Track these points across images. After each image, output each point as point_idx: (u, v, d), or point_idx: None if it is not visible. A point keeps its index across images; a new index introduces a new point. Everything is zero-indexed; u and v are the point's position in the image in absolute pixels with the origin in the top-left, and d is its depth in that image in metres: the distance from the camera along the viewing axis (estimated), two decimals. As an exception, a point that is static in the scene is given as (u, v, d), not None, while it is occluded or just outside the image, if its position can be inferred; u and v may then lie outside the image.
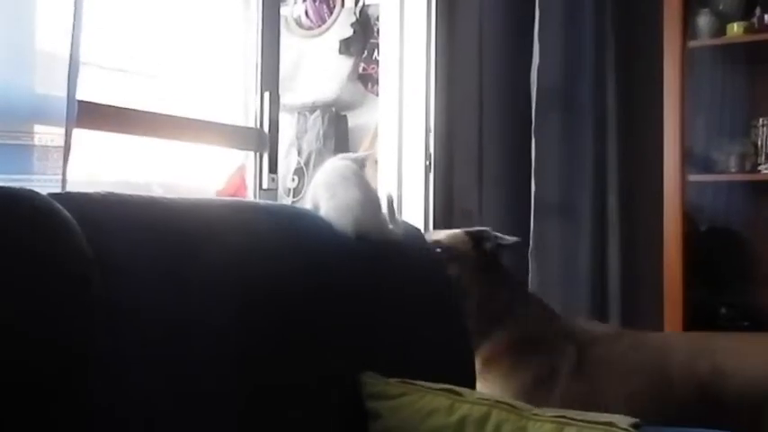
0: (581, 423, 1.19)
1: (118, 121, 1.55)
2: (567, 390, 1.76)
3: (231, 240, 1.35)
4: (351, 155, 1.66)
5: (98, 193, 1.25)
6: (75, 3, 1.31)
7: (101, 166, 1.77)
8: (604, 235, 2.61)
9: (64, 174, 1.31)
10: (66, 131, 1.31)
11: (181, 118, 1.72)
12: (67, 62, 1.32)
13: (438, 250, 1.84)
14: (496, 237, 1.92)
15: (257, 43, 1.88)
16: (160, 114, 1.67)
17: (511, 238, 1.95)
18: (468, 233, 1.92)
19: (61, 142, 1.31)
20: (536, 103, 2.50)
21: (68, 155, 1.32)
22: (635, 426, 1.28)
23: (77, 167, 1.62)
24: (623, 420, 1.27)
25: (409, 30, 2.53)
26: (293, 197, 3.07)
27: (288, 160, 3.22)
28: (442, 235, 1.93)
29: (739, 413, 1.63)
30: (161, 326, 1.18)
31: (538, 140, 2.50)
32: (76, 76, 1.32)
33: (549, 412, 1.25)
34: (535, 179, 2.49)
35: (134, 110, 1.60)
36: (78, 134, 1.58)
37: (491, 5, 2.60)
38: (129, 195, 1.28)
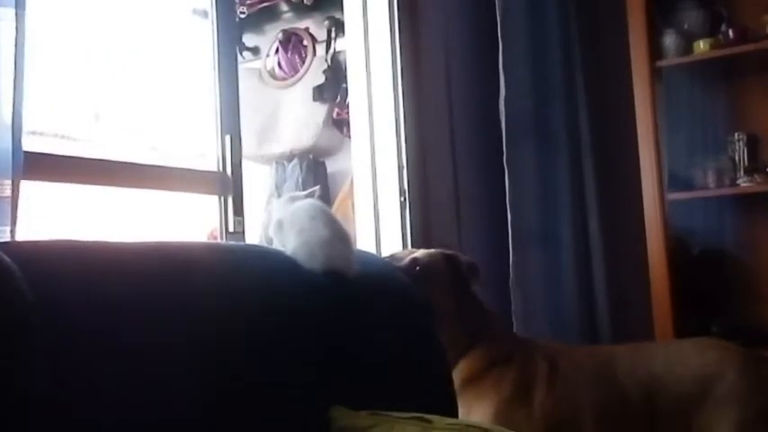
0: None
1: (71, 171, 1.54)
2: (543, 401, 1.86)
3: (190, 281, 1.32)
4: (303, 192, 1.65)
5: (46, 241, 1.23)
6: (16, 53, 1.31)
7: (71, 221, 1.76)
8: (588, 260, 2.58)
9: (13, 224, 1.29)
10: (13, 182, 1.30)
11: (140, 165, 1.70)
12: (11, 113, 1.31)
13: (417, 268, 1.90)
14: (469, 262, 2.01)
15: (215, 86, 1.88)
16: (117, 162, 1.65)
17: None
18: (443, 254, 1.98)
19: (8, 193, 1.29)
20: (506, 134, 2.49)
21: (16, 205, 1.30)
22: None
23: (48, 222, 1.61)
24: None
25: (376, 70, 2.53)
26: (276, 248, 3.05)
27: (269, 209, 3.22)
28: (420, 253, 1.98)
29: (672, 412, 1.81)
30: (113, 370, 1.14)
31: (511, 170, 2.49)
32: (20, 127, 1.31)
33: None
34: (510, 209, 2.47)
35: (89, 158, 1.58)
36: (45, 188, 1.57)
37: (456, 39, 2.62)
38: (80, 241, 1.26)
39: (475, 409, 1.85)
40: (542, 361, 1.90)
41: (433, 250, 2.01)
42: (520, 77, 2.53)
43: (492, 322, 2.00)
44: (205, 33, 1.90)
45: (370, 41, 2.56)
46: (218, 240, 2.00)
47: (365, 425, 1.29)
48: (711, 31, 2.68)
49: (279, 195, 3.16)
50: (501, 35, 2.52)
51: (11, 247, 1.13)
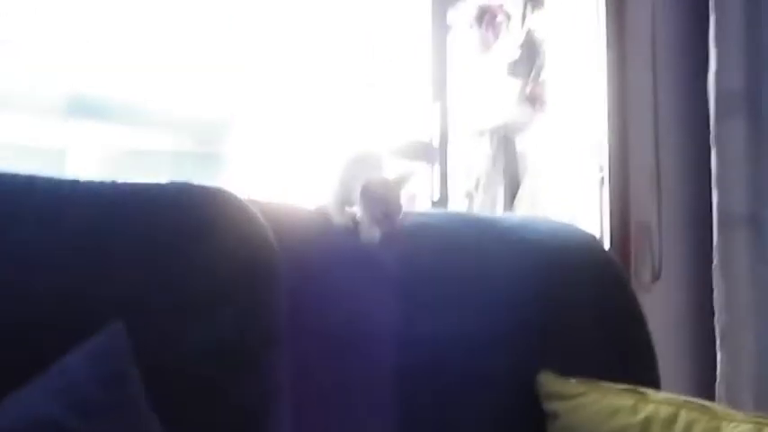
0: (783, 423, 1.10)
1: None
2: None
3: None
4: None
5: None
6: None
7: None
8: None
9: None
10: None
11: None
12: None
13: None
14: None
15: (429, 59, 1.93)
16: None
17: None
18: None
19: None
20: (715, 110, 2.37)
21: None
22: None
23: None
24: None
25: (578, 42, 2.49)
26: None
27: (455, 182, 3.25)
28: None
29: None
30: (341, 320, 1.22)
31: (719, 148, 2.37)
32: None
33: (744, 414, 1.17)
34: (717, 189, 2.35)
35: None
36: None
37: (663, 9, 2.51)
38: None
39: None
40: None
41: None
42: (732, 51, 2.39)
43: None
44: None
45: (570, 14, 2.52)
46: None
47: (576, 392, 1.29)
48: None
49: (468, 169, 3.19)
50: (713, 6, 2.40)
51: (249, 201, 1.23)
